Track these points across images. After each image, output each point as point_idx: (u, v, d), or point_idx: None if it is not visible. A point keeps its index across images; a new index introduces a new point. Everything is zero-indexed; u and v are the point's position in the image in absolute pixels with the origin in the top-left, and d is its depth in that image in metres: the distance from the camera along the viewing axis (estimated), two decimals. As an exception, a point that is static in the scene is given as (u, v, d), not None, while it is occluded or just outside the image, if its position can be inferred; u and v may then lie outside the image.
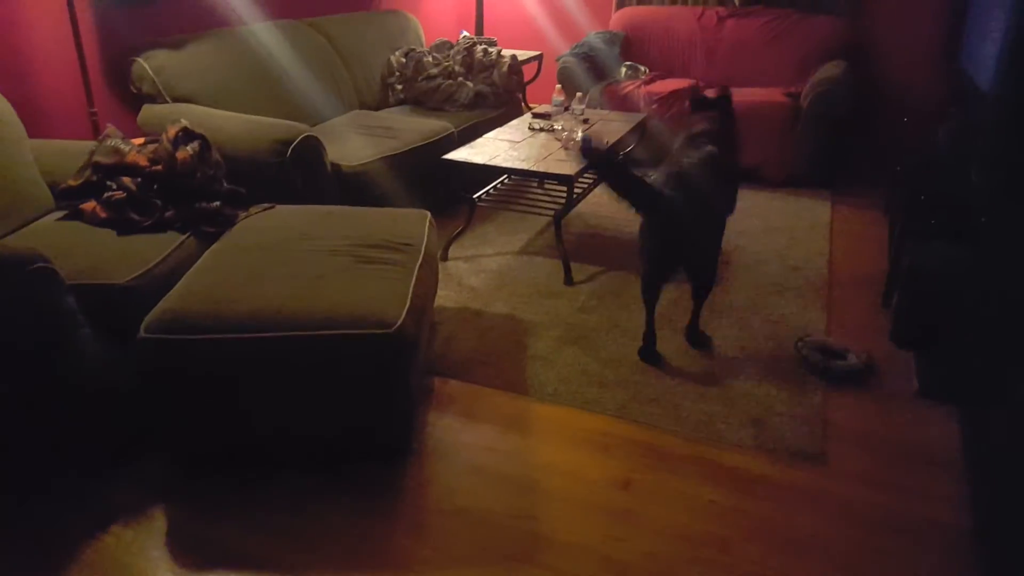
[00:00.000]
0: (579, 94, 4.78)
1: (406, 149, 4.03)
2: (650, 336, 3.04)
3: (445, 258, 3.88)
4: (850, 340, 3.14)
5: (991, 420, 2.55)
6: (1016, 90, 2.71)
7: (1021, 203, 2.67)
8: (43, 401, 2.16)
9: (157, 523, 2.20)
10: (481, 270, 3.77)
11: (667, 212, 2.83)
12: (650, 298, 3.02)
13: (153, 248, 2.63)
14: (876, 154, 5.27)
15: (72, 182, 2.92)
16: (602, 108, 5.13)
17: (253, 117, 3.54)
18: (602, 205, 4.67)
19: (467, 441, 2.55)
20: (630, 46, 5.88)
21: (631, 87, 5.30)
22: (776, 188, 4.96)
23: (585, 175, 3.84)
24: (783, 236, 4.23)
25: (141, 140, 3.11)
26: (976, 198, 3.01)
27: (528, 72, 5.78)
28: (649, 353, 3.04)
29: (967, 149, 3.42)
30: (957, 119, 3.96)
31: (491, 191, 4.18)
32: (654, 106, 5.10)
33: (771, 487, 2.36)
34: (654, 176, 2.99)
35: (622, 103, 5.23)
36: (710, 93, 3.38)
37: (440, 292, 3.43)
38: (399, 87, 5.08)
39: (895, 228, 3.74)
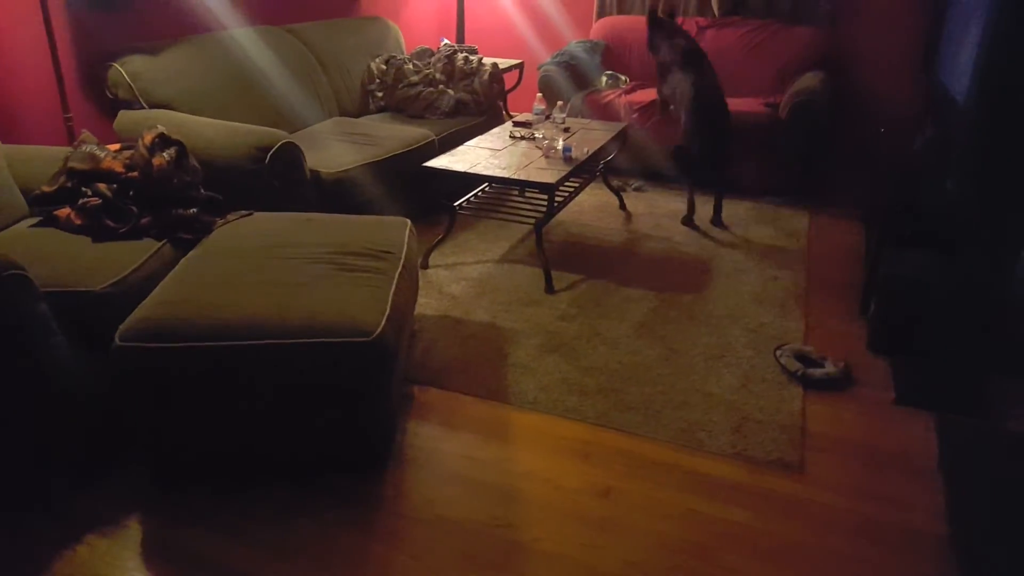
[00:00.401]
0: (560, 103, 4.80)
1: (386, 156, 4.02)
2: (691, 208, 4.53)
3: (425, 266, 3.87)
4: (828, 348, 3.15)
5: (967, 428, 2.57)
6: (991, 102, 2.74)
7: (995, 213, 2.70)
8: (15, 409, 2.13)
9: (132, 532, 2.17)
10: (462, 278, 3.76)
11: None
12: (697, 179, 4.53)
13: (129, 255, 2.61)
14: (854, 164, 5.32)
15: (46, 188, 2.89)
16: (583, 117, 5.14)
17: (231, 123, 3.52)
18: (583, 213, 4.68)
19: (446, 449, 2.54)
20: (610, 55, 5.90)
21: (612, 96, 5.32)
22: (755, 197, 4.98)
23: (566, 183, 3.84)
24: (761, 245, 4.24)
25: (117, 146, 3.09)
26: (952, 208, 3.04)
27: (509, 80, 5.79)
28: (689, 220, 4.53)
29: (943, 159, 3.45)
30: (933, 130, 4.00)
31: (472, 199, 4.18)
32: (635, 115, 5.11)
33: (750, 495, 2.36)
34: (674, 84, 4.58)
35: (604, 112, 5.24)
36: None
37: (420, 300, 3.42)
38: (379, 94, 5.08)
39: (872, 237, 3.76)
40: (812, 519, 2.27)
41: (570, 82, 5.45)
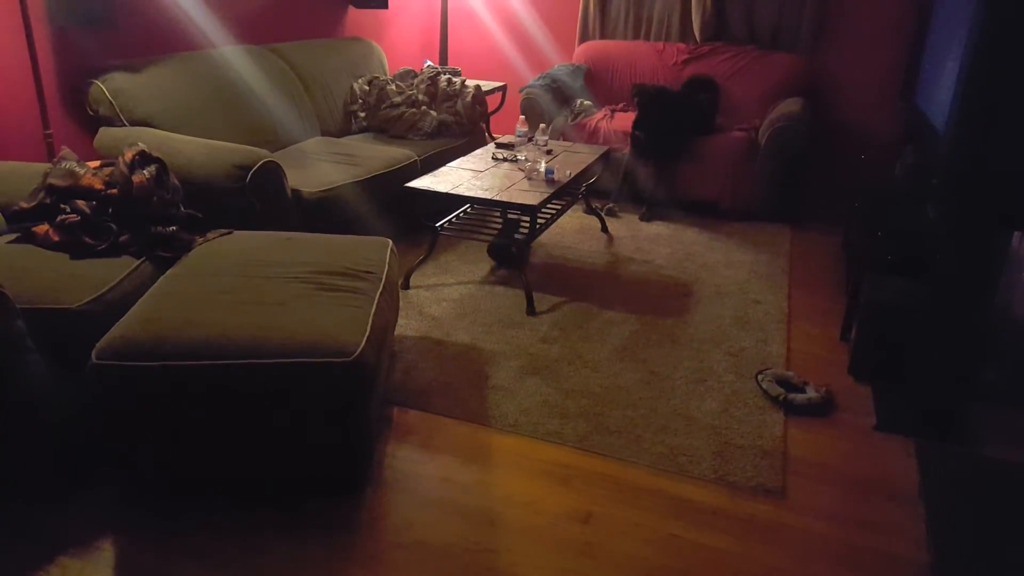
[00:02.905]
0: (542, 125, 4.80)
1: (368, 176, 4.02)
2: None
3: (406, 287, 3.85)
4: (809, 373, 3.16)
5: (947, 454, 2.58)
6: (969, 129, 2.77)
7: (975, 239, 2.72)
8: (-13, 429, 2.10)
9: (105, 554, 2.13)
10: (442, 299, 3.75)
11: None
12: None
13: (107, 273, 2.58)
14: (834, 190, 5.35)
15: (25, 204, 2.86)
16: (568, 140, 5.16)
17: (212, 141, 3.50)
18: (565, 236, 4.68)
19: (426, 472, 2.52)
20: (593, 78, 5.93)
21: (597, 119, 5.35)
22: (736, 222, 5.01)
23: (548, 206, 3.84)
24: (743, 270, 4.26)
25: (97, 163, 3.06)
26: (932, 234, 3.06)
27: (492, 103, 5.80)
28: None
29: (923, 186, 3.48)
30: (913, 156, 4.04)
31: (454, 220, 4.17)
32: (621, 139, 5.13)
33: (732, 521, 2.35)
34: None
35: (591, 136, 5.27)
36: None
37: (401, 321, 3.40)
38: (362, 115, 5.07)
39: (853, 263, 3.78)
40: (793, 545, 2.26)
41: (553, 105, 5.47)
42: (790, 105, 5.00)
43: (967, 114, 2.59)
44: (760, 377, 3.08)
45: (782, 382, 3.04)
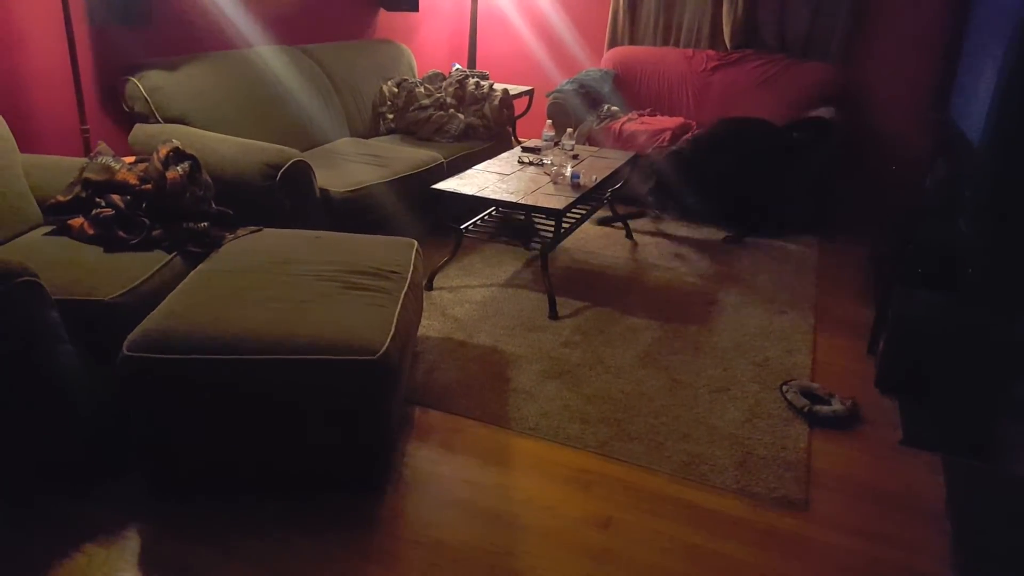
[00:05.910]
0: (569, 130, 4.81)
1: (395, 177, 4.04)
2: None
3: (430, 287, 3.87)
4: (835, 385, 3.14)
5: (974, 471, 2.55)
6: (1004, 142, 2.75)
7: (1007, 254, 2.70)
8: (20, 416, 2.13)
9: (131, 543, 2.16)
10: (466, 301, 3.76)
11: None
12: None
13: (139, 266, 2.62)
14: (864, 201, 5.32)
15: (61, 198, 2.90)
16: (597, 144, 5.16)
17: (244, 140, 3.54)
18: (589, 240, 4.68)
19: (446, 473, 2.53)
20: (621, 84, 5.93)
21: (623, 122, 5.34)
22: (764, 232, 4.98)
23: (573, 210, 3.84)
24: (770, 279, 4.24)
25: (132, 159, 3.11)
26: (963, 248, 3.04)
27: (519, 107, 5.81)
28: None
29: (954, 199, 3.46)
30: (945, 169, 4.00)
31: (479, 222, 4.18)
32: (658, 141, 5.11)
33: (753, 532, 2.34)
34: None
35: (617, 140, 5.26)
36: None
37: (424, 322, 3.42)
38: (390, 116, 5.10)
39: (882, 275, 3.76)
40: (815, 558, 2.25)
41: (581, 109, 5.47)
42: (821, 115, 4.96)
43: (1003, 127, 2.57)
44: (785, 388, 3.06)
45: (807, 393, 3.02)
